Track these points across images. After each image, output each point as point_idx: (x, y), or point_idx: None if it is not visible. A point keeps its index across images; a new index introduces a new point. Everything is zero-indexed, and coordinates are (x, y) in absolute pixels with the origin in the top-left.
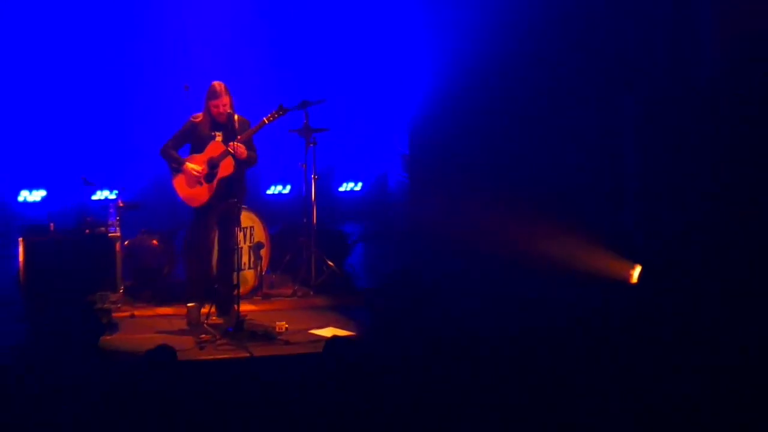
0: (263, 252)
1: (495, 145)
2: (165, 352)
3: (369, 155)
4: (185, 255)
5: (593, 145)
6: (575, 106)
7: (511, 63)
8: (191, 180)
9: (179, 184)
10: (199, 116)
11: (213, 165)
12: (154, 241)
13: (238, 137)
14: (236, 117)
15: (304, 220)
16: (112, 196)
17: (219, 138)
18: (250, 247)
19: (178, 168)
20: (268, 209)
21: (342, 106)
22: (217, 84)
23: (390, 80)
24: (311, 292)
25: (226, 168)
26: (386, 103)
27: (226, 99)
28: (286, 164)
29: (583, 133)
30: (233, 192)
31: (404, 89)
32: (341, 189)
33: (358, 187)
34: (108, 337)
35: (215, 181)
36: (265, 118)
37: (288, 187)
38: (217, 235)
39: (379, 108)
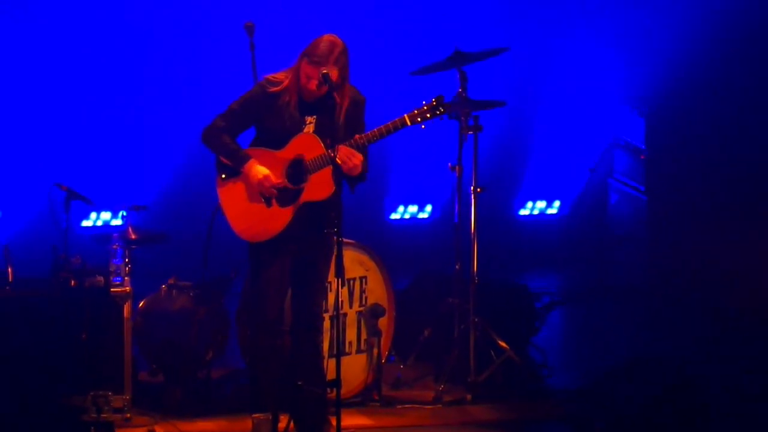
0: (383, 323)
1: None
2: None
3: (571, 151)
4: (244, 327)
5: None
6: None
7: None
8: (252, 194)
9: (230, 197)
10: (280, 80)
11: (298, 175)
12: (190, 302)
13: (356, 137)
14: (349, 92)
15: (457, 267)
16: (117, 222)
17: (311, 126)
18: (360, 313)
19: (234, 168)
20: (392, 247)
21: (521, 67)
22: (328, 39)
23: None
24: (469, 397)
25: (319, 186)
26: (600, 60)
27: (332, 68)
28: (423, 167)
29: None
30: (327, 219)
31: (635, 34)
32: (523, 211)
33: (554, 207)
34: None
35: (296, 205)
36: (406, 116)
37: (428, 208)
38: (293, 293)
39: (586, 70)
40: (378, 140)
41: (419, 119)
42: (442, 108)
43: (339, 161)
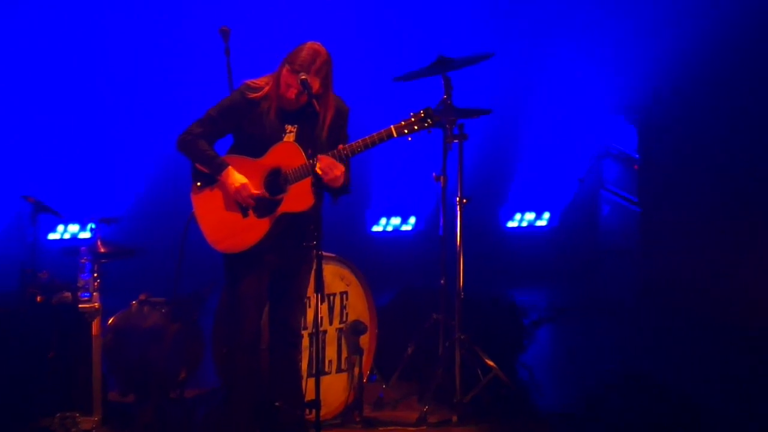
0: (365, 341)
1: None
2: None
3: (561, 161)
4: (219, 345)
5: None
6: None
7: None
8: (229, 203)
9: (205, 206)
10: (260, 86)
11: (278, 184)
12: (162, 318)
13: (339, 148)
14: (332, 102)
15: (442, 282)
16: (85, 235)
17: (292, 136)
18: (340, 330)
19: (211, 175)
20: (374, 261)
21: (508, 73)
22: (311, 47)
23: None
24: (455, 418)
25: (299, 197)
26: (590, 66)
27: (314, 78)
28: (406, 177)
29: None
30: (306, 231)
31: (625, 39)
32: (511, 223)
33: (544, 219)
34: None
35: (274, 216)
36: (393, 127)
37: (411, 220)
38: (270, 308)
39: (574, 76)
40: (362, 152)
41: (406, 131)
42: (431, 120)
43: (319, 171)
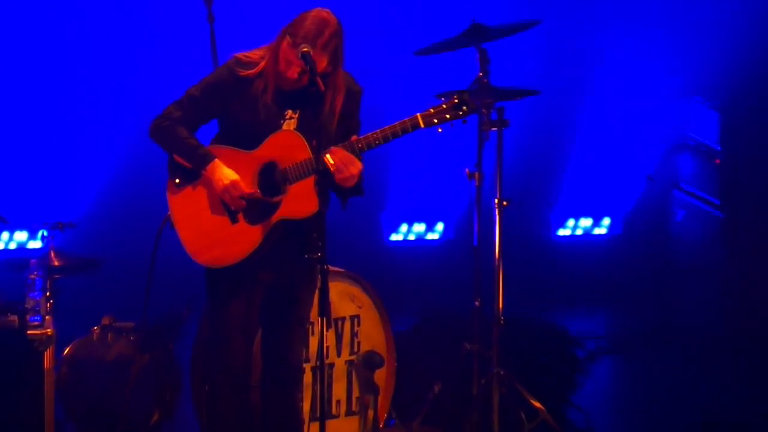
0: (381, 376)
1: None
2: None
3: (625, 154)
4: (200, 381)
5: None
6: None
7: None
8: (215, 205)
9: (184, 208)
10: (254, 60)
11: (275, 184)
12: (130, 348)
13: (353, 140)
14: (343, 82)
15: (476, 304)
16: (35, 244)
17: (293, 123)
18: (350, 363)
19: (192, 170)
20: (392, 277)
21: (558, 46)
22: (317, 15)
23: None
24: None
25: (301, 199)
26: (660, 39)
27: (321, 55)
28: (431, 174)
29: None
30: (308, 241)
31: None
32: (563, 231)
33: (603, 226)
34: None
35: (270, 223)
36: (420, 116)
37: (438, 227)
38: (263, 335)
39: (641, 50)
40: (380, 145)
41: (436, 120)
42: (467, 107)
43: (333, 168)
